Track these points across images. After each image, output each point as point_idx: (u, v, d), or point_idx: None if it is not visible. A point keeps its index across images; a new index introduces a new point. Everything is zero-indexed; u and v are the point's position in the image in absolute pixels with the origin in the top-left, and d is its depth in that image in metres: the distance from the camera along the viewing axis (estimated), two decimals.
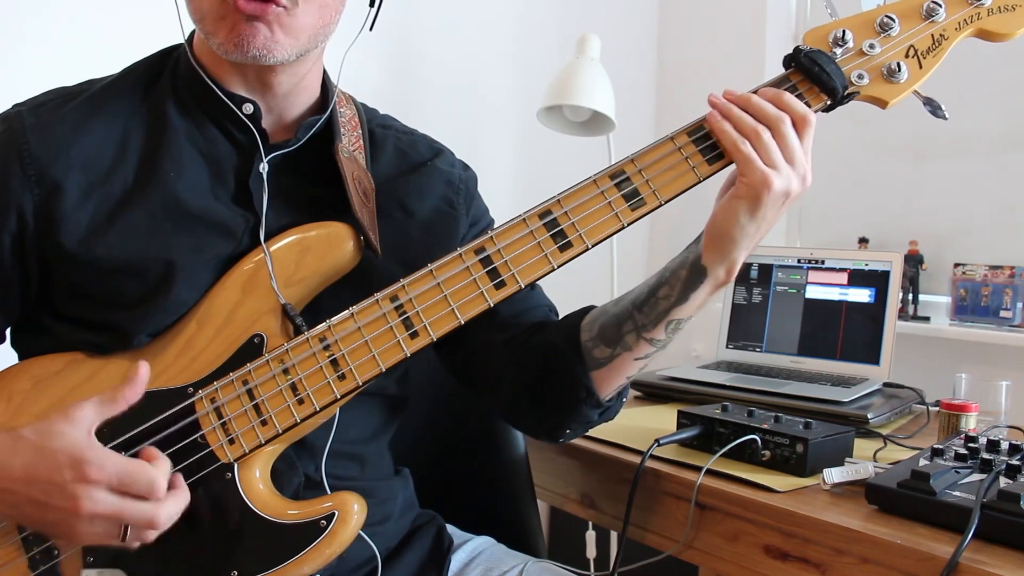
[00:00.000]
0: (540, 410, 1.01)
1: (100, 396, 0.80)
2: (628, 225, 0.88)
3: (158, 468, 0.79)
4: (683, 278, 0.90)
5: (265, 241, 0.91)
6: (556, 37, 2.46)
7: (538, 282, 1.07)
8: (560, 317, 1.05)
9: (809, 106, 0.90)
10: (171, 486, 0.81)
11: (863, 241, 2.20)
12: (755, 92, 0.89)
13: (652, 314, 0.92)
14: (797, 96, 0.90)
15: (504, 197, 2.40)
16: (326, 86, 1.01)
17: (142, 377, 0.82)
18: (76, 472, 0.76)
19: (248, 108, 0.93)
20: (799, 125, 0.87)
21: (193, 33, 0.96)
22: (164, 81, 0.96)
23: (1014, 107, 2.00)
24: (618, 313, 0.94)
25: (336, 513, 0.86)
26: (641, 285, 0.95)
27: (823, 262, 1.68)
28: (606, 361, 0.94)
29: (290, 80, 0.95)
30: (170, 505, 0.79)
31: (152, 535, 0.79)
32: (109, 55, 1.11)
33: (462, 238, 1.04)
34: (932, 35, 0.92)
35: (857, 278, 1.63)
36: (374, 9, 1.00)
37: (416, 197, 1.03)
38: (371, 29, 0.99)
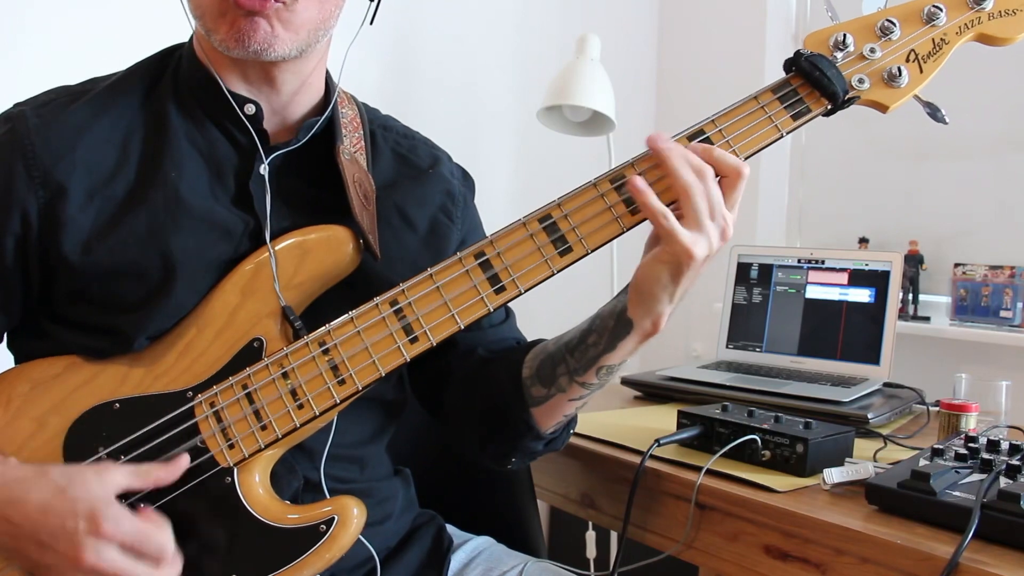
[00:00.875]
0: (484, 440, 1.02)
1: (134, 467, 0.82)
2: (628, 230, 0.88)
3: (165, 532, 0.81)
4: (610, 328, 0.90)
5: (263, 242, 0.90)
6: (556, 37, 2.46)
7: (512, 315, 1.08)
8: (515, 347, 1.05)
9: (810, 111, 0.89)
10: None
11: (863, 241, 2.20)
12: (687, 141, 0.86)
13: (583, 360, 0.92)
14: (797, 100, 0.89)
15: (504, 197, 2.41)
16: (329, 87, 1.01)
17: (181, 464, 0.84)
18: (91, 524, 0.77)
19: (250, 109, 0.93)
20: (732, 178, 0.84)
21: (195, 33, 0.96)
22: (166, 82, 0.95)
23: (1014, 108, 2.01)
24: (553, 354, 0.94)
25: (336, 518, 0.86)
26: (577, 327, 0.94)
27: (823, 262, 1.68)
28: (543, 400, 0.95)
29: (294, 79, 0.94)
30: (169, 573, 0.81)
31: None
32: (111, 54, 1.11)
33: (453, 250, 1.03)
34: (933, 39, 0.91)
35: (857, 278, 1.63)
36: (374, 4, 0.99)
37: (415, 205, 1.03)
38: (371, 23, 0.99)
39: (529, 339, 1.07)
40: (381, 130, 1.06)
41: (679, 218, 0.83)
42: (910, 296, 2.08)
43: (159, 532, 0.81)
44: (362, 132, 1.01)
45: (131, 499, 0.83)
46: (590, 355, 0.91)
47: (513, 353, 1.00)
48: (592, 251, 0.87)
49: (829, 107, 0.90)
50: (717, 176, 0.85)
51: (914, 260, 2.07)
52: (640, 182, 0.83)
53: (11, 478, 0.80)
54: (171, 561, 0.81)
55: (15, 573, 0.84)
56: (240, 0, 0.84)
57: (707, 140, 0.88)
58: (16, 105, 0.92)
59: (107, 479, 0.80)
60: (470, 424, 1.02)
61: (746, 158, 0.88)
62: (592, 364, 0.91)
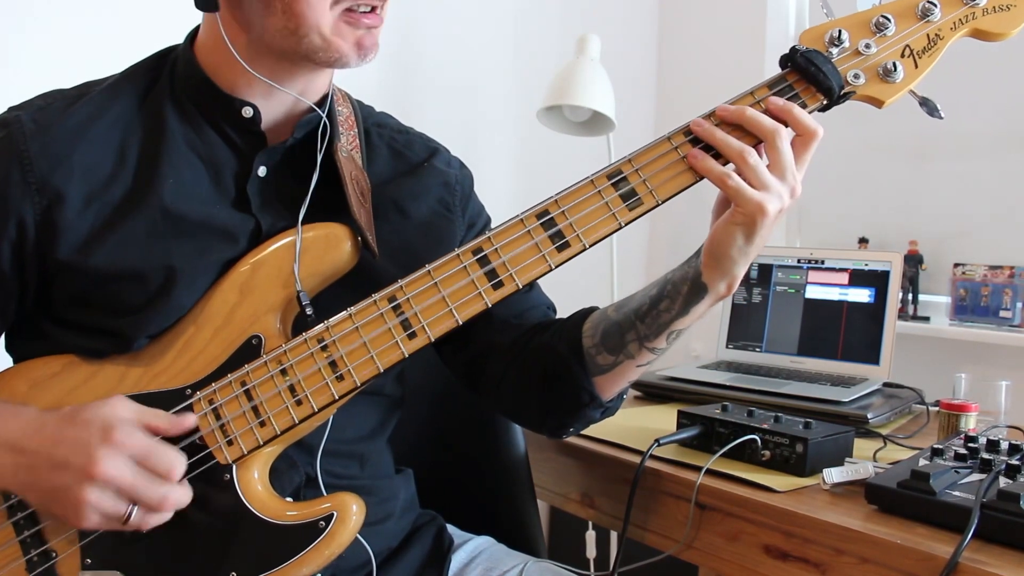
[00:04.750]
0: (543, 411, 1.03)
1: (143, 407, 0.84)
2: (625, 225, 0.88)
3: (179, 455, 0.82)
4: (684, 293, 0.91)
5: (262, 243, 0.91)
6: (556, 37, 2.46)
7: (537, 282, 1.08)
8: (559, 317, 1.06)
9: (805, 106, 0.90)
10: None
11: (863, 241, 2.20)
12: (762, 101, 0.89)
13: (654, 325, 0.93)
14: (793, 96, 0.90)
15: (504, 197, 2.41)
16: None
17: (186, 423, 0.85)
18: (104, 435, 0.79)
19: (247, 112, 0.93)
20: (807, 138, 0.87)
21: (192, 34, 0.96)
22: (162, 84, 0.95)
23: (1014, 107, 2.00)
24: (620, 321, 0.95)
25: (335, 514, 0.86)
26: (641, 294, 0.95)
27: (823, 262, 1.68)
28: (609, 368, 0.96)
29: (304, 83, 0.95)
30: (180, 492, 0.82)
31: (154, 521, 0.81)
32: (107, 57, 1.11)
33: (460, 241, 1.04)
34: (928, 35, 0.91)
35: (857, 278, 1.63)
36: None
37: (412, 199, 1.03)
38: None
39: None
40: (376, 128, 1.06)
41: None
42: (910, 296, 2.08)
43: (170, 451, 0.82)
44: (357, 130, 1.02)
45: None
46: (662, 321, 0.92)
47: (567, 324, 1.00)
48: (590, 246, 0.88)
49: (825, 102, 0.90)
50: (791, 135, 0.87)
51: (914, 260, 2.07)
52: (697, 150, 0.86)
53: (31, 417, 0.82)
54: (183, 486, 0.83)
55: (16, 571, 0.84)
56: (366, 22, 0.89)
57: None
58: (11, 109, 0.92)
59: (114, 402, 0.82)
60: (526, 398, 1.03)
61: None
62: (663, 329, 0.93)
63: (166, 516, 0.82)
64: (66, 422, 0.81)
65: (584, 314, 1.00)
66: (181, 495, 0.82)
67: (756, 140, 0.86)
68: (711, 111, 0.89)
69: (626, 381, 0.98)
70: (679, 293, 0.91)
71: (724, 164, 0.86)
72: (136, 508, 0.80)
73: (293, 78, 0.93)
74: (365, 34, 0.90)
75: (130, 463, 0.79)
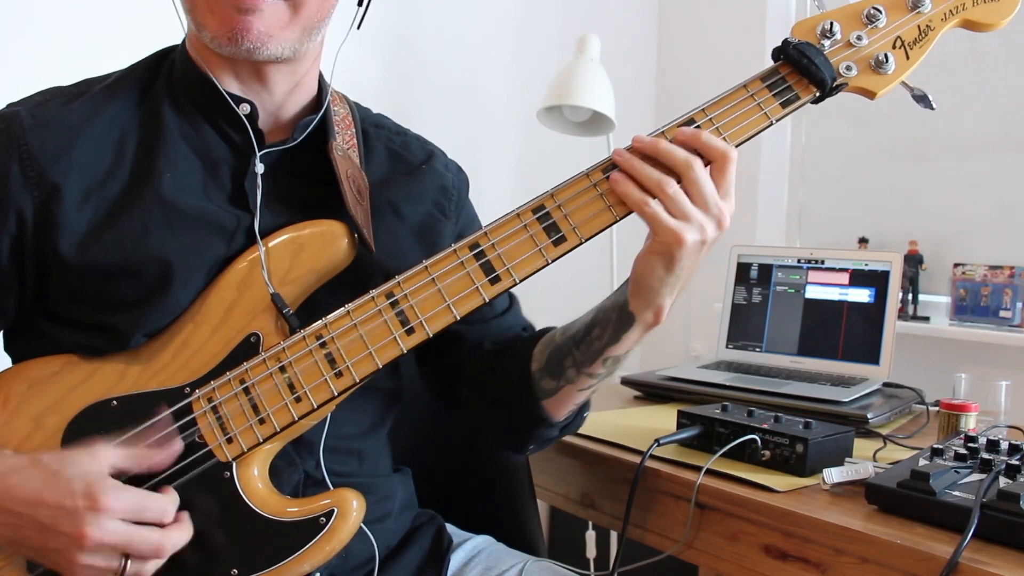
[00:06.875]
0: (502, 431, 1.04)
1: (127, 449, 0.82)
2: (621, 219, 0.88)
3: (168, 497, 0.82)
4: (613, 321, 0.91)
5: (260, 240, 0.91)
6: (556, 37, 2.46)
7: (516, 303, 1.10)
8: (523, 336, 1.07)
9: (799, 98, 0.90)
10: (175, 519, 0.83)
11: (863, 241, 2.21)
12: (672, 129, 0.88)
13: (588, 352, 0.93)
14: (786, 88, 0.90)
15: (504, 197, 2.40)
16: (322, 85, 1.01)
17: (175, 448, 0.84)
18: (88, 500, 0.77)
19: (245, 108, 0.93)
20: (719, 163, 0.85)
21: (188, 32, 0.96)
22: (160, 82, 0.95)
23: (1014, 107, 2.00)
24: (560, 346, 0.96)
25: (335, 510, 0.86)
26: (581, 319, 0.96)
27: (823, 262, 1.68)
28: (553, 392, 0.97)
29: (287, 79, 0.94)
30: (176, 535, 0.81)
31: (151, 567, 0.80)
32: (107, 56, 1.11)
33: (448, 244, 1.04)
34: (918, 26, 0.92)
35: (857, 278, 1.63)
36: (362, 9, 0.99)
37: (408, 201, 1.03)
38: (359, 27, 0.99)
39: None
40: (373, 128, 1.06)
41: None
42: (910, 296, 2.08)
43: (157, 497, 0.81)
44: (354, 130, 1.02)
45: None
46: (595, 348, 0.92)
47: (522, 345, 1.01)
48: (586, 240, 0.88)
49: (817, 94, 0.91)
50: (707, 163, 0.85)
51: (914, 260, 2.07)
52: (618, 173, 0.86)
53: (6, 469, 0.80)
54: (177, 524, 0.82)
55: (15, 572, 0.84)
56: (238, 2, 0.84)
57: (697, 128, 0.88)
58: (10, 105, 0.92)
59: (99, 456, 0.80)
60: (487, 417, 1.05)
61: (737, 146, 0.88)
62: (598, 356, 0.93)
63: (166, 556, 0.81)
64: (48, 480, 0.78)
65: (539, 335, 1.01)
66: (178, 538, 0.81)
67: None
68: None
69: (573, 404, 0.99)
70: (609, 321, 0.92)
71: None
72: (130, 561, 0.79)
73: (239, 72, 0.92)
74: (236, 15, 0.84)
75: (121, 523, 0.78)
